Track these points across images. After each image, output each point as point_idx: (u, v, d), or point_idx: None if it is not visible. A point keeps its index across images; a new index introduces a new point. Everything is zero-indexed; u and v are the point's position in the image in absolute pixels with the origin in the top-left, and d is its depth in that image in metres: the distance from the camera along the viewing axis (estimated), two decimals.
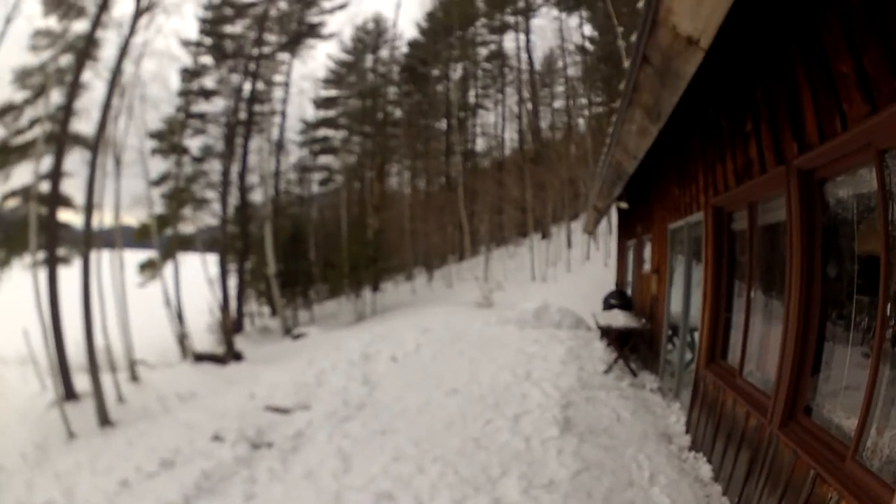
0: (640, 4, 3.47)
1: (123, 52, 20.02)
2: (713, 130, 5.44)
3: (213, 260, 32.54)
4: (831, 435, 3.06)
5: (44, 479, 8.93)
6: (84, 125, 20.52)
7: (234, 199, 35.21)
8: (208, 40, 34.39)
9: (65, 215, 20.93)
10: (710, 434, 5.26)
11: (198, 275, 29.55)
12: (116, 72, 19.92)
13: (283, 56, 38.48)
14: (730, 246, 5.52)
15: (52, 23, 21.04)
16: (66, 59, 20.67)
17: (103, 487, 7.27)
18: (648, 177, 9.38)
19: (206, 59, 34.50)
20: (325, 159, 45.78)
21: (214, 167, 34.26)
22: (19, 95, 20.98)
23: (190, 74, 33.48)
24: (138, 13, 20.03)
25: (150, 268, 28.59)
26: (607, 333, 10.22)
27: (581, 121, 44.52)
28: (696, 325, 6.48)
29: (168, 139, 30.54)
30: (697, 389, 5.94)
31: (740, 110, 4.50)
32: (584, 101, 45.14)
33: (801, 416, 3.47)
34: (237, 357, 23.45)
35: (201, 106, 34.41)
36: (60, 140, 18.74)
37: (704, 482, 4.91)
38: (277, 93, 39.04)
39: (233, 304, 34.06)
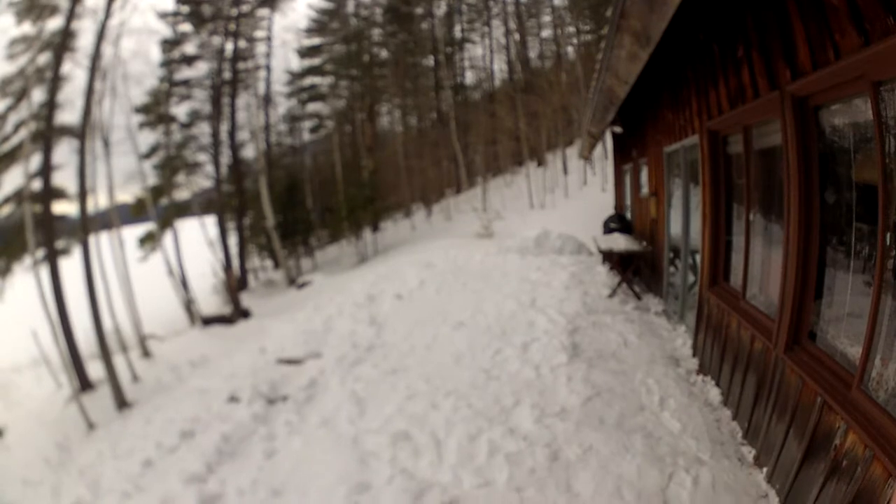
0: None
1: (101, 37, 20.00)
2: (705, 55, 5.34)
3: (211, 222, 32.68)
4: (836, 362, 3.10)
5: (69, 479, 9.09)
6: (69, 115, 20.47)
7: (226, 159, 35.05)
8: (185, 8, 33.59)
9: (60, 207, 20.94)
10: (716, 357, 5.34)
11: (198, 239, 29.66)
12: (96, 57, 19.86)
13: (263, 12, 37.59)
14: (726, 169, 5.49)
15: (27, 28, 20.66)
16: (44, 58, 20.34)
17: (127, 471, 7.40)
18: (641, 101, 9.27)
19: (186, 27, 33.84)
20: (314, 107, 45.21)
21: (204, 130, 34.07)
22: (1, 104, 20.67)
23: (170, 44, 32.90)
24: None
25: (149, 240, 28.62)
26: (609, 257, 10.27)
27: (570, 49, 43.75)
28: (698, 248, 6.49)
29: (154, 111, 30.28)
30: (702, 312, 6.00)
31: (731, 36, 4.40)
32: (572, 29, 44.30)
33: (805, 341, 3.50)
34: (244, 314, 23.68)
35: (184, 73, 33.93)
36: (47, 135, 18.78)
37: (714, 406, 5.00)
38: (260, 48, 38.31)
39: (235, 262, 34.39)
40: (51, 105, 19.06)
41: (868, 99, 2.53)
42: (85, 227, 18.89)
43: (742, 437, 4.35)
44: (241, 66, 35.95)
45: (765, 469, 3.78)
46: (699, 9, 4.54)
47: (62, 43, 19.56)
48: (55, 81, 19.20)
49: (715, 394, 5.16)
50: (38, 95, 19.97)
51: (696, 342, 6.22)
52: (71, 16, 19.52)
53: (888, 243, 2.49)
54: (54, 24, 20.34)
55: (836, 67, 2.70)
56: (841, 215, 3.21)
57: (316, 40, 45.61)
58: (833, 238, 3.30)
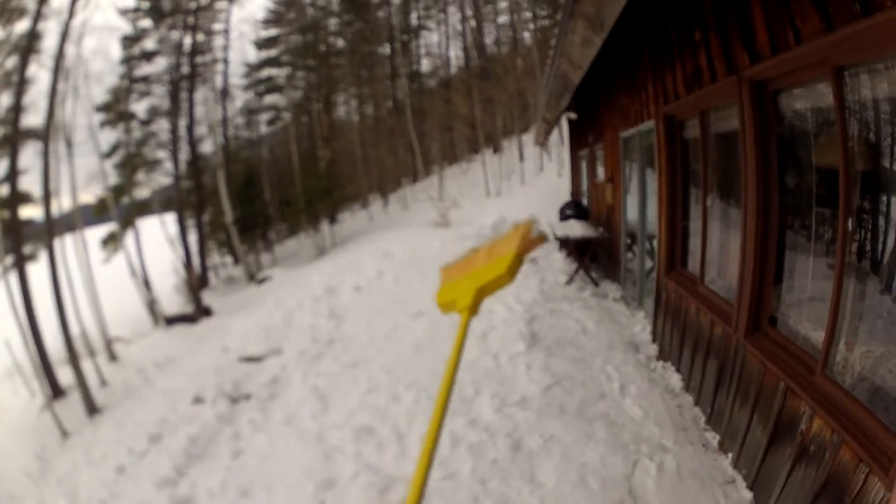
0: None
1: (65, 36, 20.09)
2: (661, 39, 5.33)
3: (171, 219, 32.48)
4: (799, 346, 3.10)
5: (50, 490, 9.00)
6: (33, 118, 20.35)
7: (185, 155, 34.68)
8: (146, 3, 33.09)
9: (25, 212, 20.68)
10: (676, 343, 5.36)
11: (158, 237, 29.43)
12: (59, 57, 19.89)
13: (221, 4, 37.11)
14: (683, 154, 5.49)
15: None
16: (11, 62, 19.98)
17: (102, 479, 7.30)
18: (597, 87, 9.28)
19: (146, 23, 33.36)
20: (271, 99, 44.86)
21: (163, 126, 33.81)
22: None
23: (130, 41, 32.66)
24: None
25: (112, 241, 28.43)
26: (566, 244, 10.27)
27: (526, 34, 43.93)
28: (655, 233, 6.51)
29: (115, 109, 30.17)
30: (660, 298, 6.02)
31: (688, 19, 4.37)
32: (529, 14, 44.48)
33: (766, 326, 3.51)
34: (206, 312, 23.59)
35: (144, 69, 33.68)
36: (13, 139, 18.47)
37: (675, 392, 5.02)
38: (218, 41, 37.86)
39: (196, 259, 34.12)
40: (17, 108, 18.92)
41: (829, 84, 2.51)
42: (50, 230, 18.72)
43: (705, 422, 4.37)
44: (199, 59, 35.55)
45: (730, 454, 3.79)
46: None
47: (28, 45, 19.47)
48: (21, 84, 19.08)
49: (676, 380, 5.19)
50: (4, 100, 19.82)
51: (656, 328, 6.25)
52: (38, 17, 19.48)
53: (849, 228, 2.48)
54: (22, 26, 20.18)
55: (796, 52, 2.67)
56: (801, 199, 3.21)
57: (273, 31, 45.31)
58: (794, 222, 3.31)
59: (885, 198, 2.38)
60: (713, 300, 4.43)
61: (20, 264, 17.37)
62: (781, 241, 3.38)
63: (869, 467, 2.20)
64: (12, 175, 18.42)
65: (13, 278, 17.16)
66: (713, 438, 4.12)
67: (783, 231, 3.36)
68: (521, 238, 2.00)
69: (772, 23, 2.91)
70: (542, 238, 2.09)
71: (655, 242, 6.53)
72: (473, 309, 1.79)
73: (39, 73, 20.24)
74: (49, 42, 20.61)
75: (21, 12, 19.85)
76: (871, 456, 2.18)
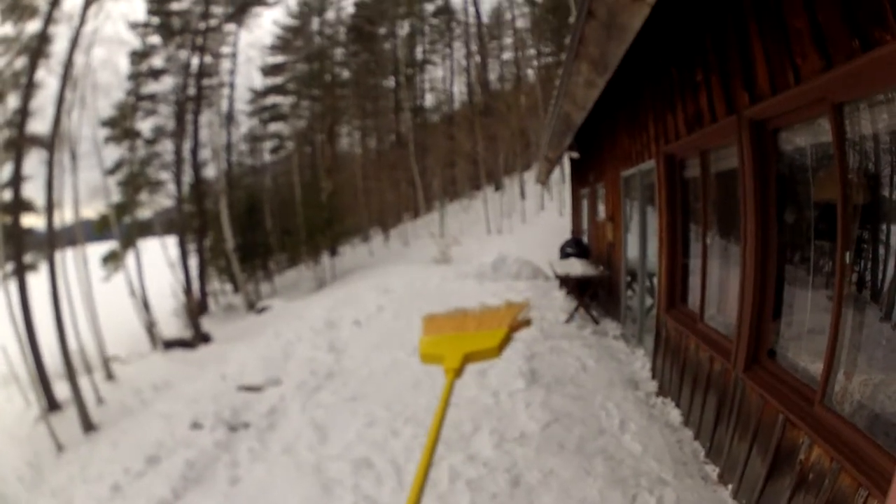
0: None
1: (74, 43, 20.18)
2: (663, 80, 5.44)
3: (172, 242, 32.49)
4: (797, 379, 3.14)
5: (43, 499, 9.07)
6: (39, 124, 20.43)
7: (188, 178, 34.94)
8: (156, 20, 33.72)
9: (27, 220, 20.81)
10: (676, 379, 5.37)
11: (159, 259, 29.38)
12: (68, 64, 19.98)
13: (230, 27, 37.88)
14: (683, 193, 5.57)
15: (8, 29, 20.47)
16: (20, 62, 20.21)
17: (97, 495, 7.28)
18: (599, 126, 9.41)
19: (154, 39, 34.02)
20: (275, 126, 45.42)
21: (167, 147, 34.20)
22: None
23: (139, 56, 33.16)
24: (88, 2, 19.79)
25: (112, 259, 28.46)
26: (566, 282, 10.31)
27: (530, 71, 44.48)
28: (655, 271, 6.56)
29: (120, 125, 30.40)
30: (660, 335, 6.05)
31: (690, 60, 4.49)
32: (532, 52, 45.12)
33: (765, 359, 3.54)
34: (205, 339, 23.63)
35: (151, 87, 34.17)
36: (18, 144, 18.59)
37: (675, 427, 5.02)
38: (225, 64, 38.67)
39: (195, 284, 34.06)
40: (24, 112, 19.03)
41: (828, 120, 2.58)
42: (52, 241, 18.67)
43: (704, 456, 4.36)
44: (205, 81, 36.08)
45: (730, 486, 3.78)
46: (658, 34, 4.62)
47: (38, 47, 19.65)
48: (29, 87, 19.21)
49: (675, 415, 5.19)
50: (12, 101, 19.95)
51: (655, 365, 6.26)
52: (49, 19, 19.68)
53: (847, 261, 2.53)
54: (33, 27, 20.39)
55: (796, 91, 2.75)
56: (800, 234, 3.27)
57: (279, 58, 45.93)
58: (792, 256, 3.36)
59: (883, 228, 2.44)
60: (712, 336, 4.46)
61: (20, 273, 17.36)
62: (780, 276, 3.43)
63: (868, 491, 2.22)
64: (16, 180, 18.51)
65: (12, 286, 17.13)
66: (713, 471, 4.11)
67: (781, 266, 3.42)
68: (513, 318, 2.08)
69: (772, 62, 3.00)
70: (529, 322, 2.26)
71: (655, 280, 6.57)
72: (459, 372, 1.87)
73: (48, 78, 20.23)
74: (59, 47, 20.76)
75: (32, 11, 20.06)
76: (869, 479, 2.21)
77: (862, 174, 2.50)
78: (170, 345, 23.21)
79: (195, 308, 26.95)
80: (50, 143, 19.29)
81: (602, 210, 10.33)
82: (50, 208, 19.00)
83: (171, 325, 26.96)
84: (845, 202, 2.52)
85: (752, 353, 3.62)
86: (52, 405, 16.47)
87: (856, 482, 2.33)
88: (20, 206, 18.87)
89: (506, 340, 2.01)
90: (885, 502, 2.10)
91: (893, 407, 2.35)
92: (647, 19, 3.56)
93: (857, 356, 2.58)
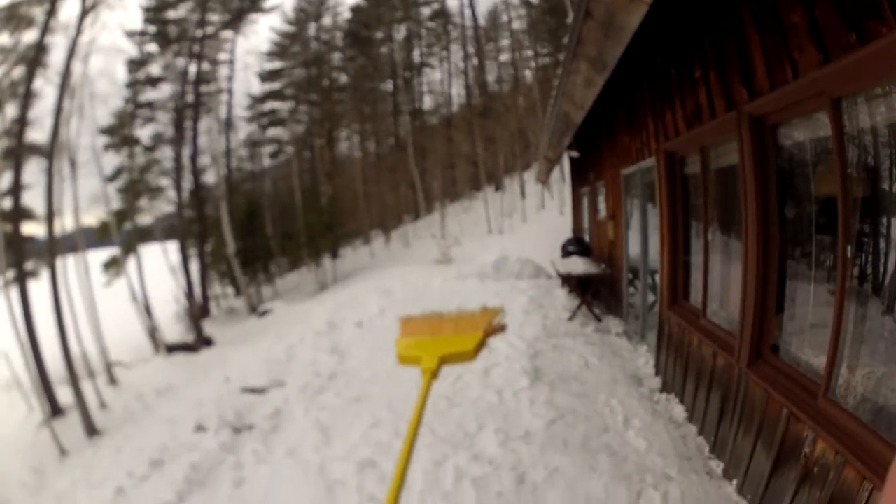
0: None
1: (72, 52, 20.30)
2: (661, 78, 5.45)
3: (173, 248, 32.44)
4: (801, 373, 3.14)
5: None
6: (38, 133, 20.56)
7: (187, 184, 34.92)
8: (152, 28, 33.80)
9: (28, 228, 20.84)
10: (679, 375, 5.38)
11: (160, 265, 29.41)
12: (66, 73, 20.09)
13: (227, 34, 37.91)
14: (684, 189, 5.58)
15: (5, 39, 20.55)
16: (18, 72, 20.28)
17: (101, 500, 7.33)
18: (598, 125, 9.41)
19: (152, 47, 34.05)
20: (274, 132, 45.36)
21: (166, 154, 34.13)
22: None
23: (136, 65, 33.15)
24: (84, 12, 19.87)
25: (113, 266, 28.49)
26: (568, 281, 10.32)
27: (528, 72, 44.52)
28: (656, 268, 6.57)
29: (119, 132, 30.42)
30: (663, 331, 6.06)
31: (688, 58, 4.50)
32: (530, 53, 45.15)
33: (768, 354, 3.55)
34: (207, 342, 23.69)
35: (149, 94, 34.13)
36: (17, 153, 18.69)
37: (679, 423, 5.03)
38: (223, 71, 38.62)
39: (197, 289, 34.11)
40: (22, 121, 19.16)
41: (827, 115, 2.59)
42: (52, 249, 18.79)
43: (709, 451, 4.38)
44: (203, 88, 36.05)
45: (734, 481, 3.80)
46: (656, 32, 4.63)
47: (35, 57, 19.74)
48: (27, 97, 19.32)
49: (679, 411, 5.20)
50: (10, 111, 20.00)
51: (658, 361, 6.27)
52: (45, 29, 19.81)
53: (849, 254, 2.54)
54: (29, 37, 20.48)
55: (794, 86, 2.77)
56: (801, 229, 3.29)
57: (277, 64, 45.95)
58: (794, 251, 3.38)
59: (884, 221, 2.45)
60: (715, 332, 4.47)
61: (21, 280, 17.44)
62: (782, 271, 3.44)
63: (873, 484, 2.23)
64: (16, 188, 18.60)
65: (14, 293, 17.19)
66: (717, 466, 4.13)
67: (783, 261, 3.43)
68: (488, 322, 2.15)
69: (770, 57, 3.01)
70: (504, 327, 2.28)
71: (657, 277, 6.58)
72: (435, 374, 1.90)
73: (45, 88, 20.35)
74: (56, 57, 20.90)
75: (29, 21, 20.14)
76: (874, 472, 2.22)
77: (861, 168, 2.51)
78: (172, 349, 23.28)
79: (197, 312, 27.03)
80: (49, 152, 19.42)
81: (603, 208, 10.34)
82: (50, 216, 19.14)
83: (174, 329, 27.00)
84: (845, 196, 2.53)
85: (755, 348, 3.63)
86: (56, 410, 16.54)
87: (860, 475, 2.34)
88: (20, 214, 18.94)
89: (481, 345, 2.04)
90: (882, 487, 2.12)
91: None
92: (645, 17, 3.57)
93: (860, 349, 2.59)
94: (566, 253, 11.81)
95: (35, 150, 19.97)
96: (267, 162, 45.48)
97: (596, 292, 9.91)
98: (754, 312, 3.58)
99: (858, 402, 2.56)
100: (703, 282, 4.83)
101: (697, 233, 5.21)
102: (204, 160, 35.56)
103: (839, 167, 2.54)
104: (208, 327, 26.91)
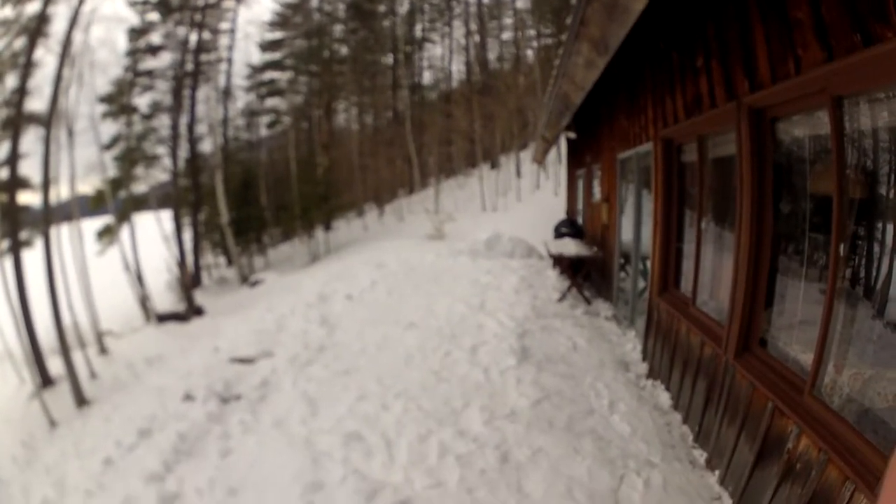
0: None
1: (73, 22, 20.10)
2: (663, 64, 5.42)
3: (167, 216, 32.27)
4: (788, 368, 3.16)
5: (36, 477, 9.01)
6: (37, 103, 20.34)
7: (184, 152, 34.67)
8: None
9: (23, 197, 20.75)
10: (666, 362, 5.42)
11: (154, 233, 29.26)
12: (67, 43, 19.97)
13: (229, 3, 37.36)
14: (679, 177, 5.57)
15: (7, 11, 20.28)
16: (19, 43, 20.04)
17: (90, 470, 7.25)
18: (597, 107, 9.38)
19: (153, 16, 33.48)
20: (272, 102, 44.92)
21: (164, 122, 33.82)
22: None
23: (137, 33, 32.71)
24: None
25: (107, 234, 28.29)
26: (559, 262, 10.33)
27: (529, 52, 44.23)
28: (648, 254, 6.58)
29: (118, 101, 30.10)
30: (651, 317, 6.09)
31: (691, 45, 4.47)
32: (532, 32, 44.80)
33: (756, 347, 3.57)
34: (198, 312, 23.71)
35: (149, 63, 33.70)
36: (16, 122, 18.55)
37: (664, 410, 5.07)
38: (223, 40, 38.09)
39: (189, 258, 34.05)
40: (22, 91, 19.06)
41: (827, 112, 2.58)
42: (48, 218, 18.76)
43: (693, 440, 4.42)
44: (203, 57, 35.67)
45: (717, 472, 3.84)
46: (660, 17, 4.60)
47: (37, 27, 19.54)
48: (28, 67, 19.20)
49: (665, 398, 5.24)
50: (10, 81, 19.84)
51: (646, 347, 6.30)
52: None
53: (842, 253, 2.55)
54: (32, 8, 20.22)
55: (796, 81, 2.75)
56: (795, 225, 3.28)
57: (278, 34, 45.46)
58: (786, 247, 3.38)
59: (878, 225, 2.44)
60: (704, 321, 4.49)
61: (16, 250, 17.39)
62: (774, 265, 3.45)
63: (855, 484, 2.25)
64: (13, 158, 18.53)
65: (8, 263, 17.17)
66: (700, 456, 4.17)
67: (776, 255, 3.43)
68: None
69: (773, 51, 2.99)
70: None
71: (649, 263, 6.59)
72: None
73: (46, 57, 20.18)
74: (57, 27, 20.69)
75: None
76: (857, 473, 2.23)
77: (859, 169, 2.50)
78: (163, 318, 23.25)
79: (189, 281, 26.98)
80: (47, 121, 19.31)
81: (598, 191, 10.33)
82: (46, 185, 19.04)
83: (165, 299, 26.96)
84: (841, 196, 2.53)
85: (743, 340, 3.65)
86: (46, 381, 16.61)
87: (843, 475, 2.36)
88: (17, 183, 18.83)
89: None
90: (871, 498, 2.14)
91: (883, 403, 2.37)
92: (650, 1, 3.54)
93: (847, 350, 2.60)
94: (559, 234, 11.82)
95: (33, 118, 19.84)
96: (264, 132, 45.24)
97: (587, 275, 9.93)
98: (744, 304, 3.59)
99: (844, 401, 2.57)
100: (695, 270, 4.83)
101: (691, 221, 5.21)
102: (201, 129, 35.42)
103: (836, 166, 2.53)
104: (199, 297, 26.92)
